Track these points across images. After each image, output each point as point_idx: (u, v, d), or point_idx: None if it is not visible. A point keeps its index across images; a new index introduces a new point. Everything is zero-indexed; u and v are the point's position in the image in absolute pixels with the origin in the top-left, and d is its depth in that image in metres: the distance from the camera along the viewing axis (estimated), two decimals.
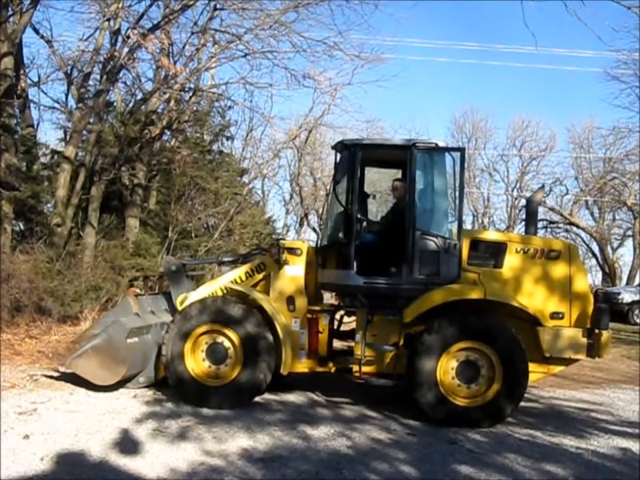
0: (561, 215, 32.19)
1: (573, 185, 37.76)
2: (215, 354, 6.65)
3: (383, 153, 7.42)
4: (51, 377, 7.50)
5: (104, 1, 13.84)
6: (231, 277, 7.26)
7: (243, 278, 7.22)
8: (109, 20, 13.63)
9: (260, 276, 7.22)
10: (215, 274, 12.52)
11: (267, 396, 6.96)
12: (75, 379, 7.29)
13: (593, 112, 53.11)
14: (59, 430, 5.42)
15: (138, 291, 7.77)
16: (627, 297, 20.06)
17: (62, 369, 7.42)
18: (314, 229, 34.92)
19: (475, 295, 6.43)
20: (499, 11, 53.67)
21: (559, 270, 6.72)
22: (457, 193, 6.84)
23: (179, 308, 7.09)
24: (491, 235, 7.64)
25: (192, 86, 16.61)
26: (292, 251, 7.04)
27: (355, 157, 6.80)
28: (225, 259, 8.17)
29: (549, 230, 33.33)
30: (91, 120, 14.02)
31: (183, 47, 15.11)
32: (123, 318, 7.04)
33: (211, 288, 7.23)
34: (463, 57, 60.92)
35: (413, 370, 6.28)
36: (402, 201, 6.95)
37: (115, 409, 6.23)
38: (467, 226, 34.58)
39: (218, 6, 14.57)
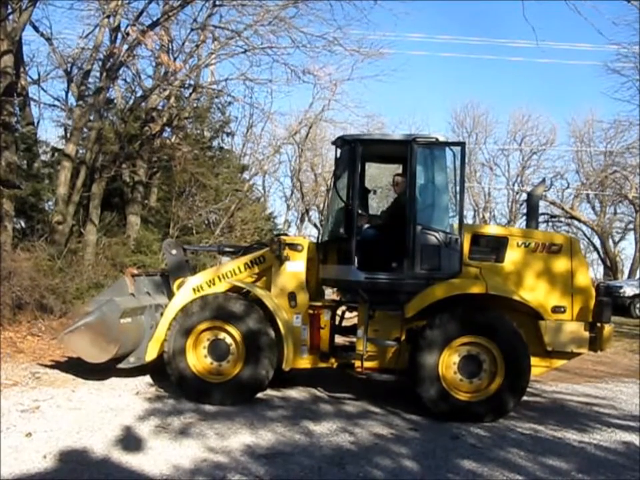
0: (562, 208, 32.24)
1: (574, 179, 37.84)
2: (217, 350, 6.63)
3: (383, 148, 7.40)
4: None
5: None
6: (229, 268, 7.24)
7: (242, 269, 7.20)
8: (108, 17, 13.60)
9: (259, 269, 7.21)
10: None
11: (269, 392, 6.96)
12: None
13: (594, 105, 53.12)
14: (61, 427, 5.42)
15: (135, 271, 7.81)
16: (628, 290, 20.06)
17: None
18: (315, 225, 35.01)
19: (476, 289, 6.42)
20: (498, 5, 53.57)
21: (560, 264, 6.71)
22: (458, 188, 6.82)
23: (176, 291, 7.15)
24: (492, 230, 7.63)
25: (192, 82, 16.61)
26: (293, 246, 7.02)
27: (355, 152, 6.79)
28: (226, 249, 8.20)
29: (550, 224, 33.42)
30: (91, 117, 14.02)
31: (183, 44, 15.13)
32: (118, 298, 7.09)
33: (209, 276, 7.21)
34: (462, 52, 60.81)
35: (415, 365, 6.27)
36: (403, 195, 6.94)
37: (117, 406, 6.23)
38: (468, 220, 34.61)
39: (217, 2, 14.55)
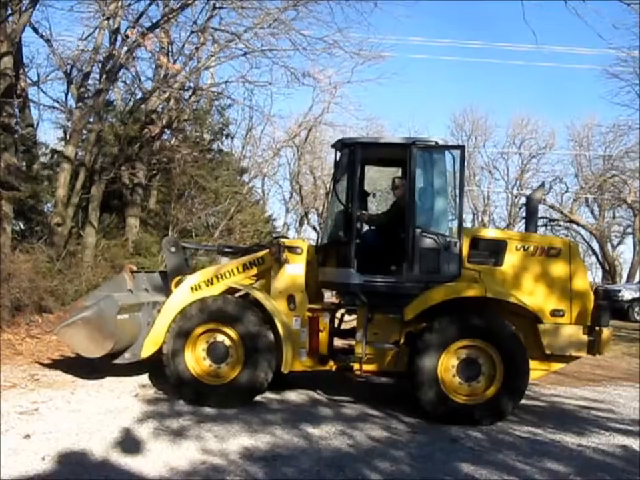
0: (561, 212, 32.20)
1: (573, 183, 37.80)
2: (216, 353, 6.63)
3: (383, 152, 7.42)
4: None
5: (103, 0, 13.83)
6: (228, 268, 7.21)
7: (241, 270, 7.18)
8: (108, 19, 13.63)
9: (257, 270, 7.19)
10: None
11: (267, 395, 6.96)
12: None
13: (593, 109, 53.25)
14: (60, 429, 5.42)
15: (134, 267, 7.81)
16: (627, 294, 20.08)
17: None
18: (314, 228, 35.01)
19: (475, 292, 6.42)
20: (498, 9, 53.58)
21: (559, 267, 6.72)
22: (457, 191, 6.85)
23: (174, 289, 7.13)
24: (491, 233, 7.64)
25: (191, 85, 16.61)
26: (292, 249, 7.01)
27: (355, 155, 6.80)
28: (226, 249, 8.19)
29: (549, 228, 33.36)
30: (91, 119, 14.03)
31: (183, 46, 15.14)
32: (116, 293, 7.10)
33: (207, 275, 7.18)
34: (462, 55, 60.99)
35: (413, 368, 6.28)
36: (402, 198, 6.95)
37: (116, 408, 6.23)
38: (467, 224, 34.62)
39: (217, 4, 14.56)
